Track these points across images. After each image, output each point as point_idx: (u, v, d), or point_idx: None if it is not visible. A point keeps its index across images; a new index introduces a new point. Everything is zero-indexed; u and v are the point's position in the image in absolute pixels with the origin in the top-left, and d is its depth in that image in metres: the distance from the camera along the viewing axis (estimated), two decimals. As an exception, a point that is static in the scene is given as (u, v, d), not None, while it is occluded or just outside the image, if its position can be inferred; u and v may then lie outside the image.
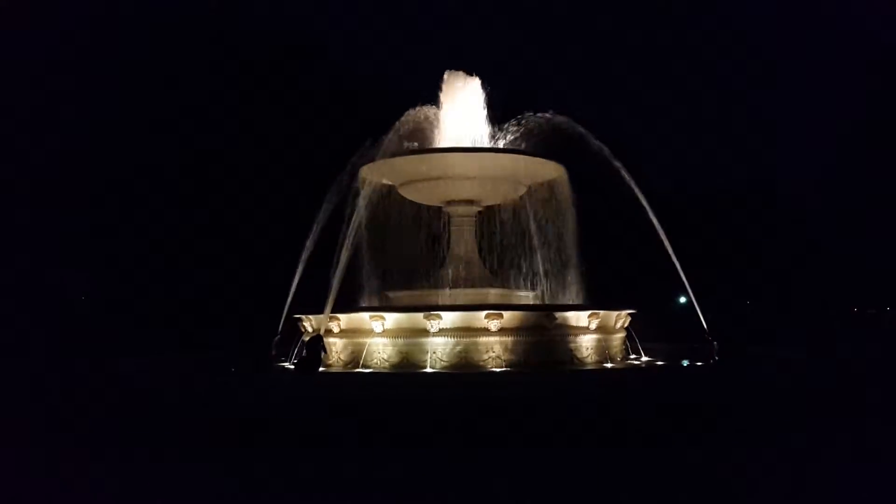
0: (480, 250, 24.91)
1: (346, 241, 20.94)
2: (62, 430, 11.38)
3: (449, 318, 18.76)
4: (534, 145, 24.05)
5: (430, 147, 24.37)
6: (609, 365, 19.99)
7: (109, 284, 39.62)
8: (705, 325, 21.69)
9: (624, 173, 22.38)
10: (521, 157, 23.30)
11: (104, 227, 40.23)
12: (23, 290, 36.27)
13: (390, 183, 24.17)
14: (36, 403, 13.73)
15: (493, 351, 18.73)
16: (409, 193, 24.54)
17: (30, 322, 32.74)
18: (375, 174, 23.14)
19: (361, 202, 21.97)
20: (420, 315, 18.86)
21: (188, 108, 42.91)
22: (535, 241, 24.66)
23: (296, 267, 23.11)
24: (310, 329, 20.96)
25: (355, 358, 19.77)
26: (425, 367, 18.54)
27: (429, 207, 25.65)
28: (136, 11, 44.58)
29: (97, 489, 8.07)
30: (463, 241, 24.23)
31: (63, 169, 39.85)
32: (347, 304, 22.05)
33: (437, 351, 18.71)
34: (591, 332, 19.90)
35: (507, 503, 7.55)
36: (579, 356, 19.60)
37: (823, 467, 8.90)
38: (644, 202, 22.22)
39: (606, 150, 22.41)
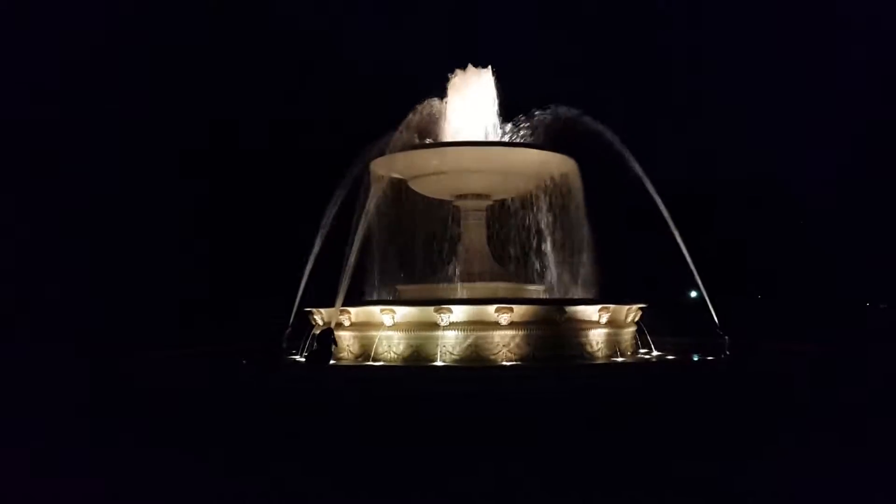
0: (491, 244, 24.91)
1: (357, 235, 20.99)
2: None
3: (459, 312, 18.78)
4: (545, 139, 24.01)
5: (440, 141, 24.37)
6: (619, 359, 19.98)
7: (113, 280, 39.78)
8: (716, 320, 21.62)
9: (636, 167, 22.31)
10: (532, 150, 23.29)
11: (106, 224, 40.42)
12: (24, 288, 36.50)
13: (401, 177, 24.18)
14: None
15: (504, 345, 18.74)
16: (419, 187, 24.54)
17: (29, 319, 32.93)
18: (386, 168, 23.17)
19: (372, 196, 22.00)
20: (431, 309, 18.90)
21: (198, 101, 43.07)
22: (546, 235, 24.61)
23: (306, 261, 23.19)
24: (320, 322, 21.04)
25: (366, 351, 19.85)
26: (435, 361, 18.60)
27: (439, 201, 25.64)
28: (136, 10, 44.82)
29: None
30: (473, 235, 24.23)
31: (63, 166, 40.14)
32: (358, 297, 22.12)
33: (448, 344, 18.75)
34: (602, 326, 19.88)
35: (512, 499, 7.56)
36: (589, 350, 19.58)
37: (835, 462, 8.87)
38: (656, 196, 22.14)
39: (619, 144, 22.35)
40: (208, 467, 8.93)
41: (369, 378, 17.11)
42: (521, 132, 24.82)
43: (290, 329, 22.32)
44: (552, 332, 19.11)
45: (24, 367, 20.27)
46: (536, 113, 24.38)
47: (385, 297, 23.70)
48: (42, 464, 9.25)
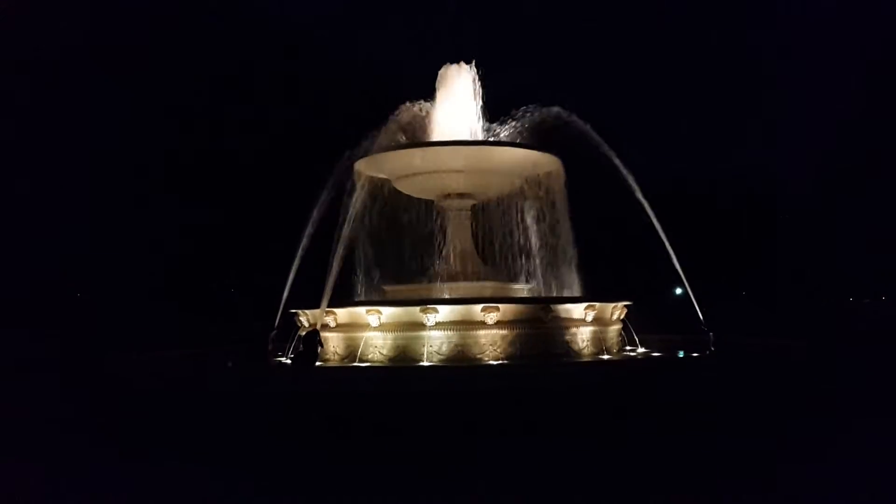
0: (476, 244, 24.90)
1: (342, 236, 20.92)
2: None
3: (445, 312, 18.76)
4: (530, 138, 24.03)
5: (423, 141, 24.32)
6: (605, 357, 20.01)
7: (105, 281, 39.62)
8: (701, 317, 21.72)
9: (620, 166, 22.37)
10: (516, 149, 23.28)
11: (100, 225, 40.22)
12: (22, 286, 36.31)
13: (385, 177, 24.12)
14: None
15: (490, 344, 18.73)
16: (404, 187, 24.48)
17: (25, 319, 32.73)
18: (370, 168, 23.12)
19: (356, 197, 21.94)
20: (416, 309, 18.86)
21: (183, 104, 42.88)
22: (531, 234, 24.64)
23: (292, 262, 23.10)
24: (306, 324, 20.94)
25: (352, 352, 19.77)
26: (422, 361, 18.56)
27: (425, 201, 25.59)
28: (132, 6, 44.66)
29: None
30: (458, 235, 24.18)
31: (61, 165, 39.92)
32: (344, 298, 22.04)
33: (434, 344, 18.72)
34: (588, 324, 19.91)
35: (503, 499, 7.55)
36: (575, 348, 19.61)
37: (822, 458, 8.93)
38: (640, 195, 22.22)
39: (604, 144, 22.40)
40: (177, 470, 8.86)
41: (355, 379, 17.04)
42: (507, 131, 24.82)
43: (275, 330, 22.23)
44: (538, 331, 19.12)
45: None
46: (521, 112, 24.39)
47: (371, 297, 23.64)
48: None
